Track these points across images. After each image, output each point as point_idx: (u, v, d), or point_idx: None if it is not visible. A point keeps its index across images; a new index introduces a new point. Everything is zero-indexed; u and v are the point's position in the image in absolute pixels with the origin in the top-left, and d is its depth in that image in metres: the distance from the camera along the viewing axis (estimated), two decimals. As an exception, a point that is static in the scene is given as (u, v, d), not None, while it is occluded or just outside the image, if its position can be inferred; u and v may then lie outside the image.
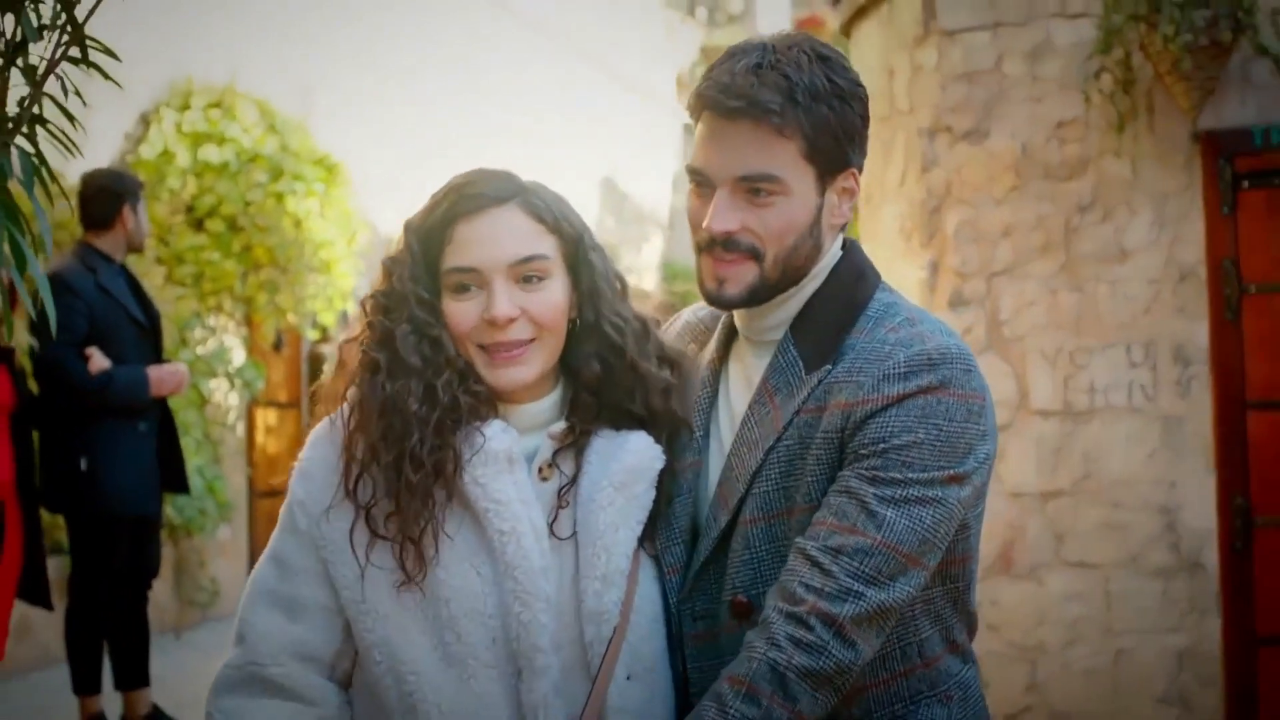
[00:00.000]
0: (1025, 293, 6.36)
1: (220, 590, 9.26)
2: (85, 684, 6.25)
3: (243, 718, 2.29)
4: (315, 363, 11.78)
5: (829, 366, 2.31)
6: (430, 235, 2.35)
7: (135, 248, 6.66)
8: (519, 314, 2.31)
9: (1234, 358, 6.17)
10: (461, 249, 2.32)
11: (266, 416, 11.52)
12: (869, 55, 7.27)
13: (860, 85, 2.33)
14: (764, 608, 2.24)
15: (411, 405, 2.26)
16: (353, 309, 10.43)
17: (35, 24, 2.51)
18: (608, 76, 17.36)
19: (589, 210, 17.09)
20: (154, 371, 6.37)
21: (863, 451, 2.22)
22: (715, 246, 2.31)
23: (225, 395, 9.71)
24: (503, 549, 2.26)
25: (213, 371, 9.39)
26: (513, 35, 14.81)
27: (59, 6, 2.46)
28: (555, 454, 2.39)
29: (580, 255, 2.40)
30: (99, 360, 6.04)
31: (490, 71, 13.99)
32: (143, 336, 6.47)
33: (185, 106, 9.25)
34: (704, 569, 2.37)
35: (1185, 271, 6.18)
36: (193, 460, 8.72)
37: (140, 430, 6.34)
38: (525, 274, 2.33)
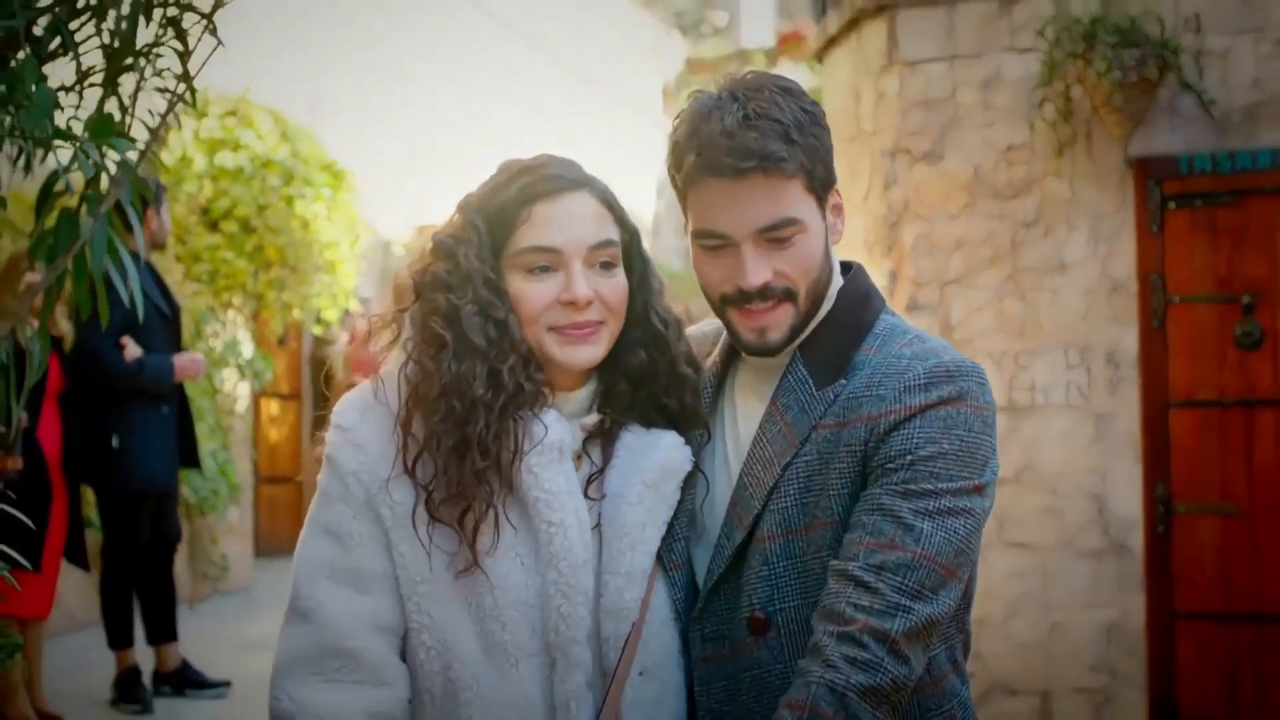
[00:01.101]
0: (974, 300, 6.93)
1: (229, 566, 9.79)
2: (120, 639, 6.82)
3: (319, 706, 2.19)
4: (317, 358, 12.24)
5: (843, 382, 2.31)
6: (501, 215, 2.30)
7: (159, 245, 7.20)
8: (595, 295, 2.28)
9: (1159, 362, 6.71)
10: (541, 229, 2.28)
11: (270, 407, 12.00)
12: (839, 80, 7.82)
13: (819, 106, 2.36)
14: (788, 624, 2.27)
15: (477, 389, 2.20)
16: (354, 307, 10.87)
17: (147, 78, 3.18)
18: (597, 89, 17.81)
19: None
20: (178, 359, 6.95)
21: (890, 465, 2.22)
22: (751, 299, 2.29)
23: (235, 385, 10.18)
24: (549, 540, 2.22)
25: (224, 362, 9.84)
26: (509, 51, 15.24)
27: (179, 66, 3.12)
28: (585, 443, 2.36)
29: (635, 248, 2.41)
30: (133, 349, 6.61)
31: (487, 85, 14.41)
32: (167, 327, 7.02)
33: (203, 115, 9.54)
34: (717, 588, 2.35)
35: (1117, 283, 6.75)
36: (206, 444, 9.21)
37: (164, 412, 6.90)
38: (601, 259, 2.30)
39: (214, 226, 9.82)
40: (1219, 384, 6.64)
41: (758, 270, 2.27)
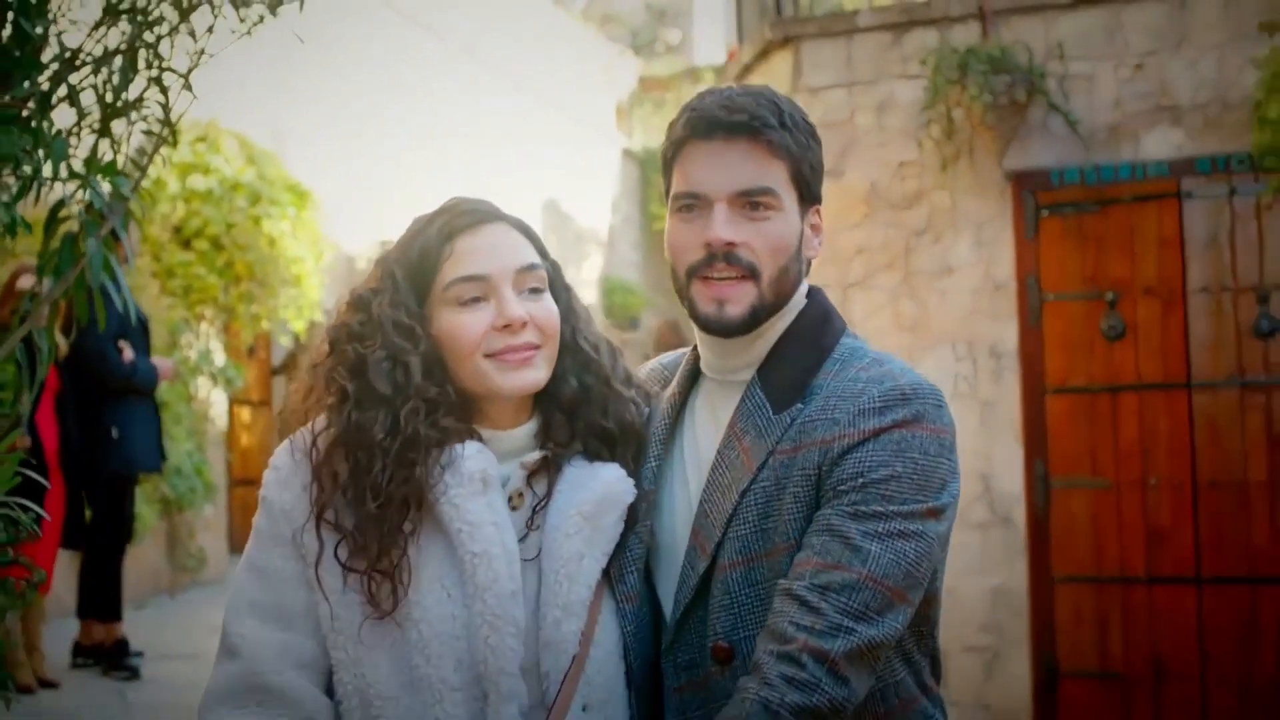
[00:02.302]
0: (873, 301, 7.68)
1: (206, 559, 10.48)
2: (114, 612, 7.51)
3: None
4: (286, 367, 12.87)
5: (800, 405, 2.27)
6: (422, 257, 2.32)
7: (125, 262, 7.96)
8: (529, 318, 2.29)
9: (1036, 354, 7.46)
10: (466, 259, 2.29)
11: (241, 413, 12.67)
12: None
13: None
14: (753, 652, 2.18)
15: (376, 435, 2.22)
16: (320, 319, 11.48)
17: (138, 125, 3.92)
18: (551, 109, 18.42)
19: (535, 229, 18.21)
20: (158, 361, 7.75)
21: (842, 487, 2.18)
22: (714, 263, 2.29)
23: (209, 392, 10.85)
24: (474, 571, 2.20)
25: (199, 370, 10.49)
26: (465, 74, 15.75)
27: (160, 112, 3.86)
28: (527, 481, 2.34)
29: (558, 279, 2.40)
30: (128, 352, 7.37)
31: (444, 107, 14.94)
32: (142, 334, 7.78)
33: (174, 142, 10.20)
34: (685, 618, 2.31)
35: (998, 284, 7.51)
36: (183, 445, 9.90)
37: (150, 407, 7.69)
38: (530, 284, 2.31)
39: (187, 244, 10.36)
40: (1088, 372, 7.40)
41: (727, 229, 2.26)
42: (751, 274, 2.28)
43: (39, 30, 3.65)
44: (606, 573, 2.32)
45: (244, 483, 12.39)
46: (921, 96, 7.46)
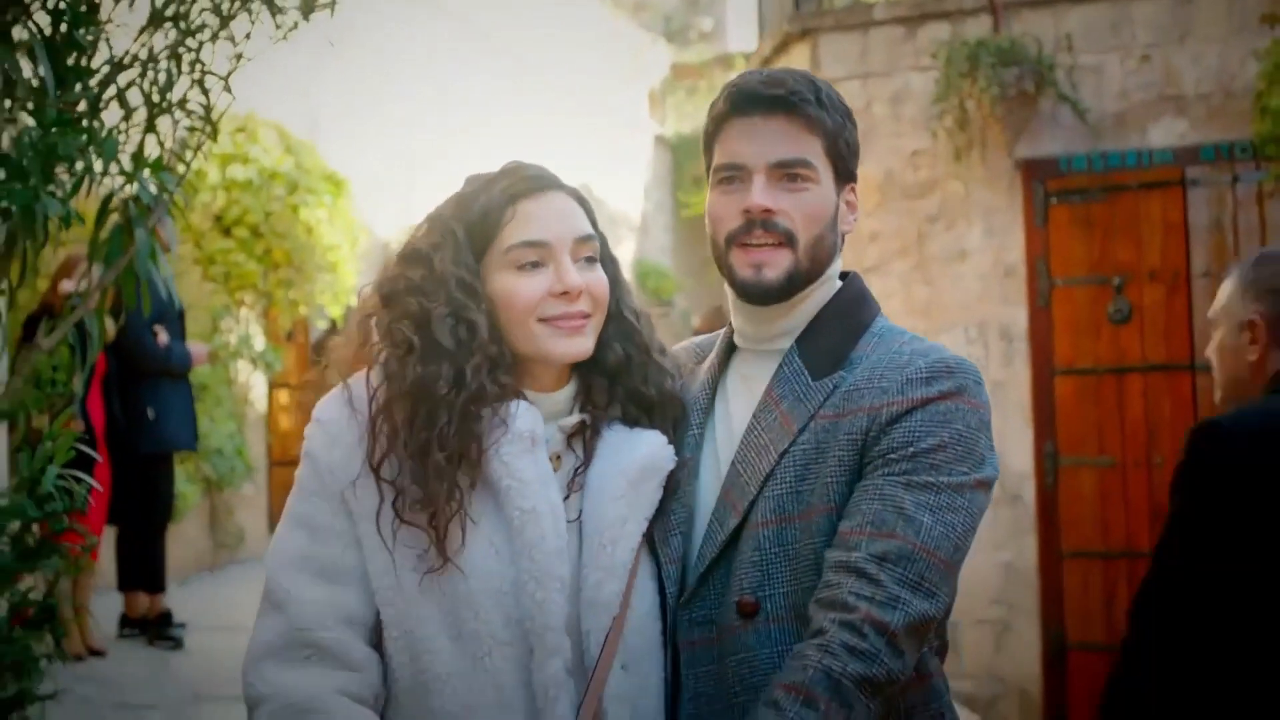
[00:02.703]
0: (888, 285, 7.95)
1: (245, 537, 10.82)
2: (158, 584, 7.85)
3: (290, 686, 2.21)
4: (318, 349, 13.17)
5: (842, 374, 2.32)
6: (484, 217, 2.34)
7: (166, 250, 8.28)
8: (584, 287, 2.32)
9: (1045, 336, 7.74)
10: (529, 224, 2.31)
11: (280, 396, 13.00)
12: None
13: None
14: (776, 609, 2.26)
15: (441, 389, 2.23)
16: (355, 303, 11.68)
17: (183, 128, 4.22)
18: (584, 97, 18.69)
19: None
20: (192, 346, 8.06)
21: (892, 455, 2.22)
22: (753, 230, 2.33)
23: (249, 375, 11.18)
24: (522, 527, 2.23)
25: (239, 354, 10.83)
26: (498, 63, 16.09)
27: (204, 115, 4.15)
28: (566, 443, 2.37)
29: (605, 249, 2.42)
30: (163, 336, 7.69)
31: (478, 99, 15.25)
32: (178, 320, 8.10)
33: (215, 138, 10.50)
34: (707, 574, 2.34)
35: (1008, 269, 7.79)
36: (224, 427, 10.26)
37: (185, 389, 8.01)
38: (585, 253, 2.34)
39: (227, 232, 10.65)
40: (1095, 354, 7.68)
41: (766, 196, 2.31)
42: (789, 240, 2.32)
43: (90, 37, 3.96)
44: (646, 536, 2.34)
45: (283, 463, 12.74)
46: (934, 88, 7.73)
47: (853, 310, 2.40)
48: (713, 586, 2.33)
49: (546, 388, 2.37)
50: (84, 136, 3.89)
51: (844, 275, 2.47)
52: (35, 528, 3.93)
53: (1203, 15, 7.47)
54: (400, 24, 13.96)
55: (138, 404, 7.59)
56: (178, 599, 8.41)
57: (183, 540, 9.56)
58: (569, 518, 2.28)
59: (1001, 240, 7.82)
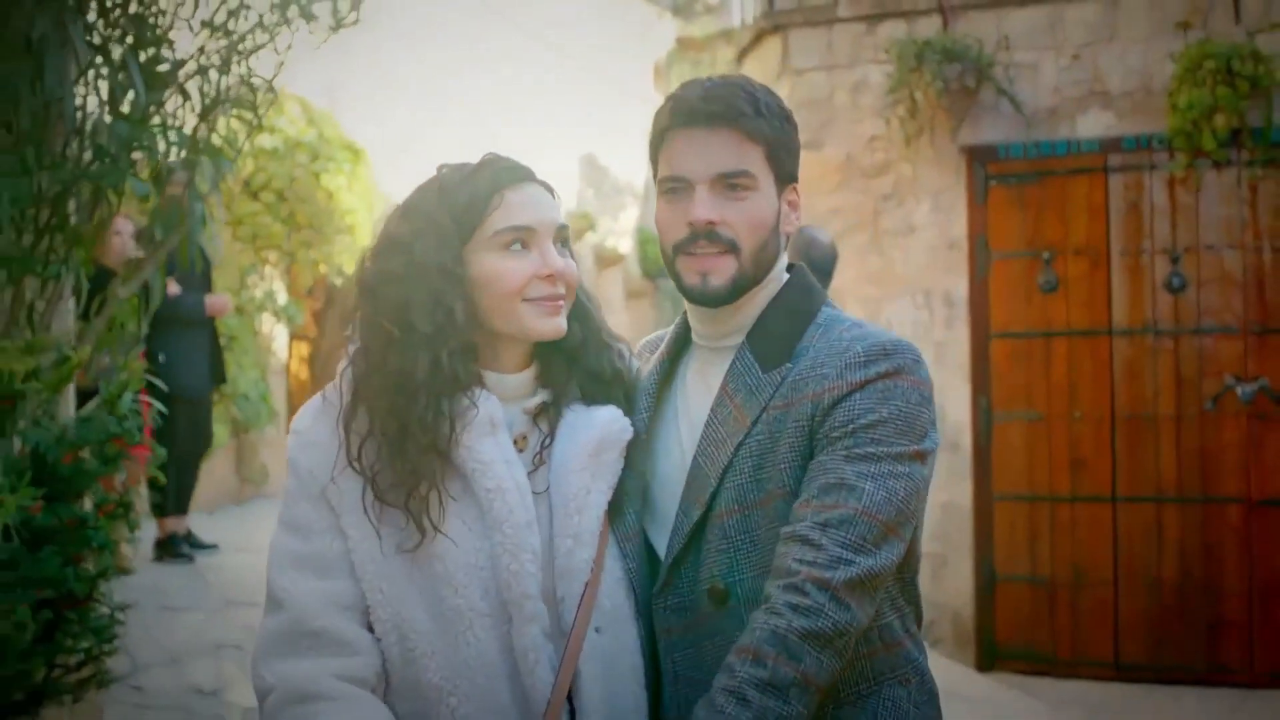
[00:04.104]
0: (846, 256, 8.62)
1: (269, 474, 11.80)
2: (177, 508, 8.76)
3: (292, 674, 2.29)
4: (326, 305, 13.97)
5: (789, 365, 2.39)
6: (469, 204, 2.39)
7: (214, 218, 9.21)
8: (564, 271, 2.42)
9: (983, 303, 8.55)
10: (515, 211, 2.39)
11: (300, 348, 13.95)
12: None
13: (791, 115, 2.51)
14: (746, 593, 2.35)
15: (419, 375, 2.31)
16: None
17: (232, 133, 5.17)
18: (590, 68, 19.34)
19: (572, 183, 19.12)
20: (208, 298, 8.80)
21: (834, 434, 2.30)
22: (697, 240, 2.39)
23: (272, 327, 12.12)
24: (490, 505, 2.32)
25: (264, 308, 11.77)
26: (507, 35, 16.79)
27: (253, 116, 5.09)
28: (531, 422, 2.46)
29: (567, 236, 2.48)
30: (173, 288, 8.42)
31: (485, 67, 15.95)
32: (205, 275, 8.90)
33: (260, 128, 11.26)
34: (677, 563, 2.42)
35: (952, 243, 8.62)
36: (250, 374, 11.23)
37: (198, 339, 8.76)
38: (562, 238, 2.44)
39: (255, 196, 11.59)
40: (1026, 320, 8.49)
41: (707, 208, 2.38)
42: (732, 249, 2.40)
43: (162, 52, 4.91)
44: (612, 506, 2.44)
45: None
46: (889, 81, 8.55)
47: (798, 303, 2.48)
48: (684, 575, 2.42)
49: (509, 369, 2.47)
50: (158, 130, 4.86)
51: (790, 268, 2.56)
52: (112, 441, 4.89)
53: (1127, 20, 8.26)
54: (411, 2, 14.70)
55: (151, 350, 8.12)
56: (207, 526, 9.41)
57: (213, 476, 10.52)
58: (537, 490, 2.39)
59: (946, 217, 8.63)
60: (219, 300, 8.98)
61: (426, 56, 14.89)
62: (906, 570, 2.42)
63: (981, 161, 8.59)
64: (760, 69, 9.46)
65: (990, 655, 8.54)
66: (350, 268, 12.43)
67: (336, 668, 2.30)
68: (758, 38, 9.37)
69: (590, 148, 18.92)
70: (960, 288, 8.63)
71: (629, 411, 2.51)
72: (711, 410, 2.44)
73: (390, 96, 14.12)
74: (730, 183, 2.39)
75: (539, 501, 2.39)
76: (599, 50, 19.78)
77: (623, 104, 20.35)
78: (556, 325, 2.42)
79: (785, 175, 2.47)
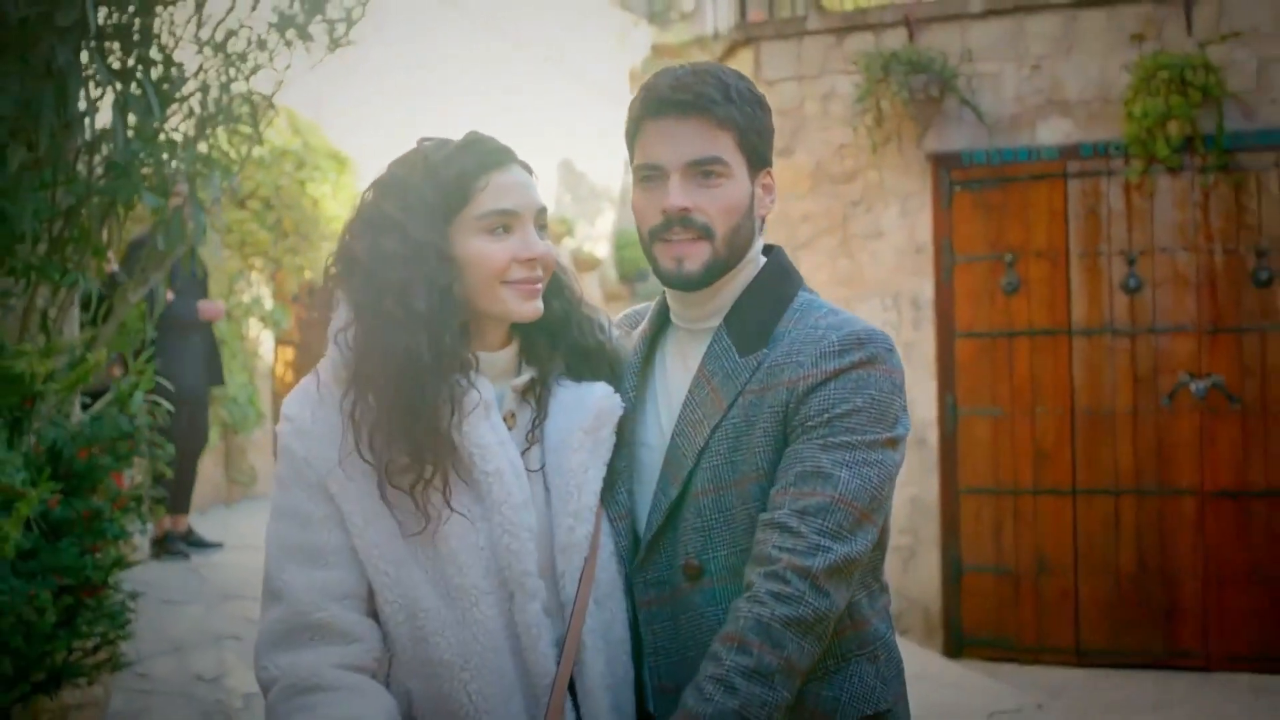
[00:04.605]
0: (817, 259, 9.08)
1: (257, 475, 12.07)
2: (184, 505, 9.05)
3: (294, 666, 2.30)
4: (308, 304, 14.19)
5: (765, 351, 2.42)
6: (459, 183, 2.38)
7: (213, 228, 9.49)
8: (544, 254, 2.42)
9: (948, 304, 8.83)
10: (501, 194, 2.39)
11: (285, 352, 14.19)
12: None
13: (764, 98, 2.51)
14: (720, 569, 2.41)
15: (424, 357, 2.29)
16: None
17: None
18: (568, 74, 19.56)
19: (550, 188, 19.37)
20: (201, 304, 9.10)
21: (810, 422, 2.34)
22: (672, 227, 2.42)
23: (259, 332, 12.38)
24: (488, 488, 2.33)
25: (250, 313, 12.03)
26: (486, 42, 16.95)
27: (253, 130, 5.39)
28: (520, 399, 2.47)
29: (545, 220, 2.48)
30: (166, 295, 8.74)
31: (465, 73, 16.10)
32: (197, 282, 9.18)
33: (260, 143, 11.45)
34: (655, 540, 2.46)
35: (919, 247, 8.89)
36: (238, 378, 11.51)
37: (193, 342, 9.04)
38: (540, 222, 2.44)
39: (242, 204, 11.80)
40: (989, 320, 8.77)
41: (682, 195, 2.41)
42: (706, 234, 2.42)
43: (169, 71, 5.21)
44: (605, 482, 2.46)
45: (287, 413, 13.92)
46: (857, 90, 8.84)
47: (775, 286, 2.51)
48: (662, 551, 2.47)
49: (493, 347, 2.47)
50: (165, 146, 5.16)
51: (769, 250, 2.59)
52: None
53: (1085, 32, 8.58)
54: (393, 7, 14.93)
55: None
56: (199, 526, 9.70)
57: (202, 477, 10.73)
58: (531, 468, 2.42)
59: (913, 221, 8.90)
60: (212, 306, 9.24)
61: (409, 64, 15.12)
62: (876, 549, 2.44)
63: (946, 168, 8.85)
64: (733, 79, 9.72)
65: (958, 644, 8.79)
66: (335, 274, 12.77)
67: (338, 657, 2.31)
68: (731, 49, 9.67)
69: (567, 153, 19.18)
70: (926, 289, 8.90)
71: (616, 386, 2.54)
72: (689, 391, 2.48)
73: (374, 105, 14.36)
74: (703, 170, 2.42)
75: (534, 479, 2.42)
76: (577, 56, 20.05)
77: (600, 110, 20.64)
78: (535, 307, 2.43)
79: (758, 160, 2.50)
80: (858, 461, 2.31)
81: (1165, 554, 8.47)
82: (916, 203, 8.95)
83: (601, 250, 20.01)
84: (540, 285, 2.44)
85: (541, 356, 2.51)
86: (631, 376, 2.58)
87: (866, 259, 9.07)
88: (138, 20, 4.66)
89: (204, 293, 9.35)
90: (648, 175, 2.47)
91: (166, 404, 5.59)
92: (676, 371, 2.54)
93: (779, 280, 2.52)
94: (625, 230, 20.76)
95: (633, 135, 2.53)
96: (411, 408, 2.29)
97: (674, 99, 2.42)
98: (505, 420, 2.43)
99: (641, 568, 2.48)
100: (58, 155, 4.64)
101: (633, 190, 2.54)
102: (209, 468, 11.19)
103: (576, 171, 19.48)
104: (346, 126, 13.35)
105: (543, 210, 2.46)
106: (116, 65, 4.68)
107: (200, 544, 9.23)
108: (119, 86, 4.62)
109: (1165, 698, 7.86)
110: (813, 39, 9.23)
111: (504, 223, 2.40)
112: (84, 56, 4.53)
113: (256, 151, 11.65)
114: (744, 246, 2.48)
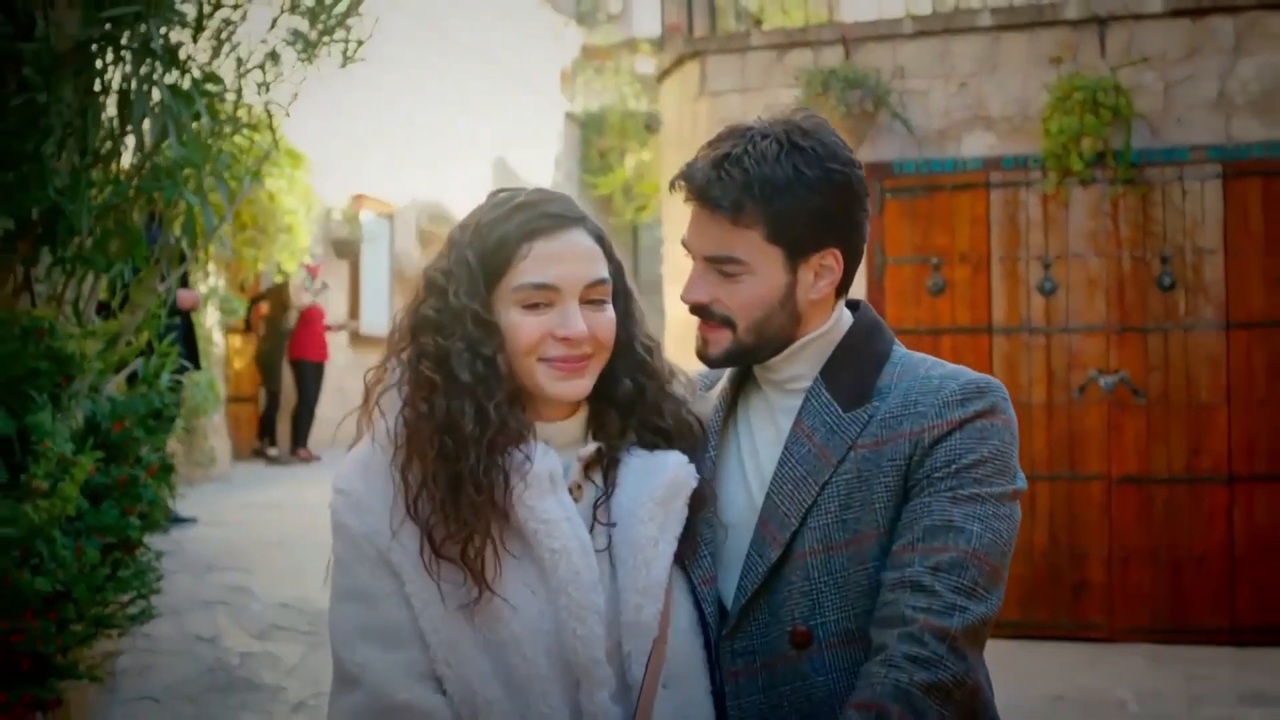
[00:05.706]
0: None
1: (215, 457, 12.54)
2: None
3: None
4: (269, 296, 14.62)
5: (875, 404, 2.32)
6: (500, 249, 2.24)
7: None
8: (588, 333, 2.24)
9: (879, 303, 9.32)
10: (541, 266, 2.23)
11: (234, 340, 14.66)
12: (672, 103, 10.58)
13: (839, 171, 2.36)
14: (828, 636, 2.27)
15: (466, 426, 2.17)
16: (309, 260, 13.45)
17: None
18: (502, 74, 20.04)
19: (483, 186, 19.83)
20: (181, 292, 9.54)
21: (936, 474, 2.24)
22: (698, 313, 2.37)
23: (215, 321, 12.83)
24: (555, 567, 2.18)
25: (207, 302, 12.45)
26: (427, 42, 17.26)
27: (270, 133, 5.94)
28: (584, 473, 2.31)
29: (620, 281, 2.36)
30: None
31: (408, 73, 16.42)
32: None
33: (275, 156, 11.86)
34: (748, 607, 2.32)
35: None
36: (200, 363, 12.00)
37: (174, 327, 9.54)
38: (594, 295, 2.27)
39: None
40: (917, 318, 9.33)
41: (695, 290, 2.36)
42: (727, 324, 2.35)
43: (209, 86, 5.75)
44: (676, 556, 2.30)
45: (235, 399, 14.44)
46: (797, 104, 9.48)
47: (869, 343, 2.42)
48: (756, 618, 2.33)
49: (556, 416, 2.34)
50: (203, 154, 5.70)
51: (854, 305, 2.49)
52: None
53: (1008, 54, 9.24)
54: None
55: None
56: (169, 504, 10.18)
57: (167, 457, 11.25)
58: (598, 548, 2.26)
59: (848, 227, 9.58)
60: (190, 294, 9.72)
61: (356, 69, 15.56)
62: None
63: (879, 177, 9.37)
64: (680, 91, 10.35)
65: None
66: (289, 265, 13.31)
67: None
68: (678, 62, 10.25)
69: (502, 151, 19.70)
70: (859, 290, 9.28)
71: (696, 457, 2.40)
72: (785, 449, 2.37)
73: (314, 101, 14.75)
74: (720, 267, 2.35)
75: (601, 558, 2.26)
76: (511, 54, 20.51)
77: (533, 108, 21.17)
78: (574, 388, 2.28)
79: (804, 247, 2.35)
80: (987, 515, 2.24)
81: (1074, 534, 9.10)
82: (851, 209, 9.50)
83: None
84: (585, 363, 2.28)
85: (610, 431, 2.37)
86: (713, 437, 2.46)
87: (805, 261, 9.61)
88: (194, 39, 5.20)
89: (184, 282, 9.82)
90: (688, 253, 2.42)
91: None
92: (765, 431, 2.44)
93: (873, 336, 2.45)
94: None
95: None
96: (454, 475, 2.18)
97: (697, 190, 2.34)
98: (571, 491, 2.29)
99: (731, 636, 2.35)
100: (110, 160, 5.18)
101: None
102: (172, 450, 11.64)
103: (509, 169, 20.00)
104: (289, 123, 13.76)
105: (597, 283, 2.29)
106: (170, 81, 5.22)
107: (176, 519, 9.71)
108: (168, 98, 5.15)
109: (1071, 666, 8.44)
110: (756, 54, 9.82)
111: (540, 299, 2.24)
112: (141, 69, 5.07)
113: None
114: (779, 333, 2.37)
